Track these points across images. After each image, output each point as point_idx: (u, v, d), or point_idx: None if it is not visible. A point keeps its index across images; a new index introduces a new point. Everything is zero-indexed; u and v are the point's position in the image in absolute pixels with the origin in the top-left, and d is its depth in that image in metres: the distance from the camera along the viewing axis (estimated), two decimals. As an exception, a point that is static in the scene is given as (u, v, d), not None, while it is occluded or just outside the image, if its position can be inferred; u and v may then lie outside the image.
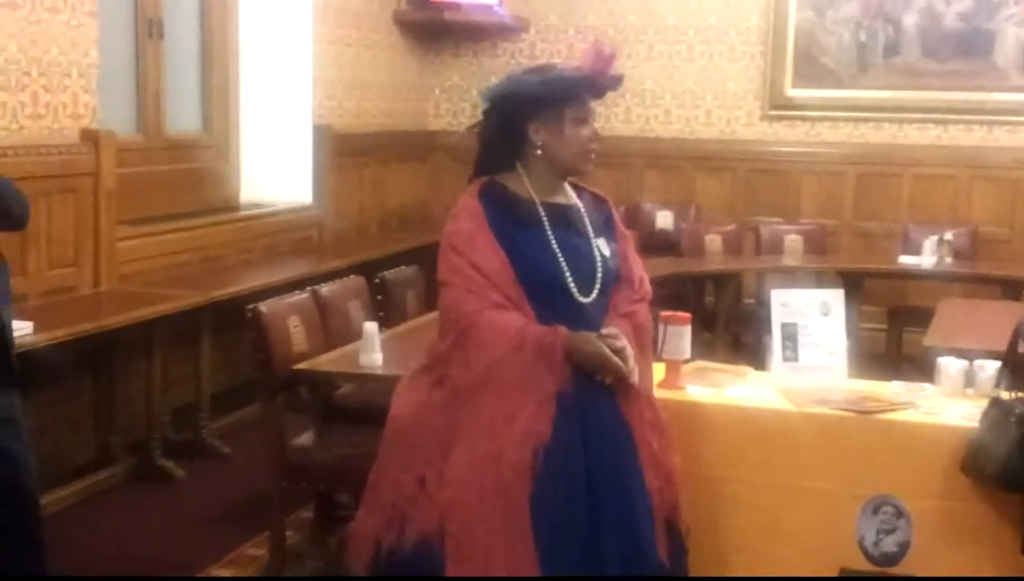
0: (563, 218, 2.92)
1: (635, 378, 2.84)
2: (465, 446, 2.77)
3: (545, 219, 2.88)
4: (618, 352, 2.81)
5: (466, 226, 2.87)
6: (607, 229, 3.02)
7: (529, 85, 2.91)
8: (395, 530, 2.82)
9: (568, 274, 2.84)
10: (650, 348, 3.08)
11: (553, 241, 2.86)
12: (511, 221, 2.87)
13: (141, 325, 4.90)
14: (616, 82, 2.97)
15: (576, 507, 2.75)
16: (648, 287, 3.06)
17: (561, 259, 2.85)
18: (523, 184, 2.92)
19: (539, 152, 2.90)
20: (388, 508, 2.85)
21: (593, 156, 2.94)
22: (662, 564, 2.85)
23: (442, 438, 2.81)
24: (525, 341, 2.77)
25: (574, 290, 2.84)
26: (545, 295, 2.83)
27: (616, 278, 2.96)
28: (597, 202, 3.05)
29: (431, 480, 2.80)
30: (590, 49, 2.92)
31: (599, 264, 2.90)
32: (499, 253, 2.82)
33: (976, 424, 3.08)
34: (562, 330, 2.80)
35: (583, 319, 2.84)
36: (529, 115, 2.89)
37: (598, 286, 2.88)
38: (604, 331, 2.83)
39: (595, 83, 2.91)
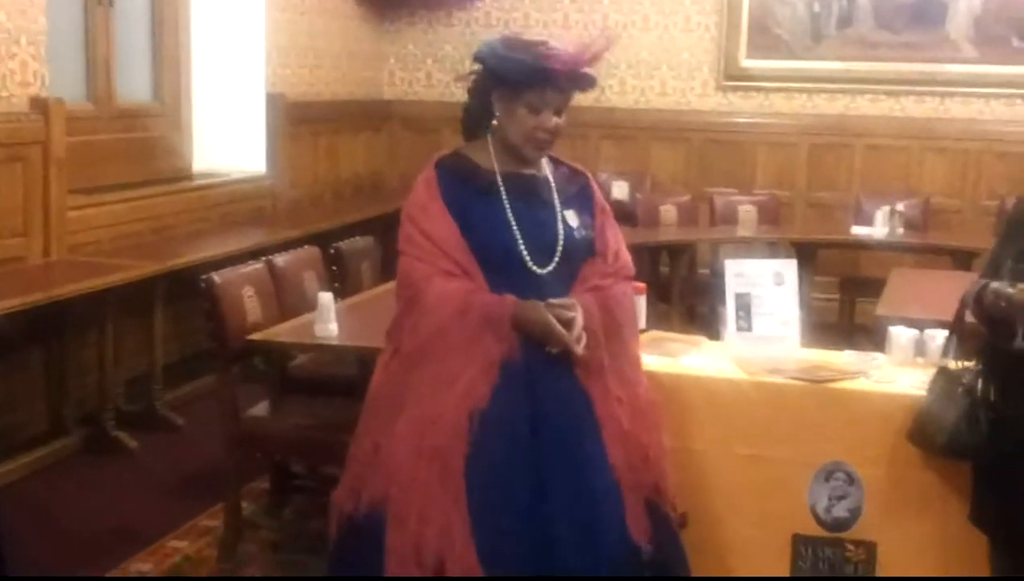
0: (525, 188, 2.89)
1: (578, 349, 2.79)
2: (410, 411, 2.79)
3: (503, 189, 2.86)
4: (567, 323, 2.78)
5: (421, 197, 2.88)
6: (581, 201, 2.98)
7: (496, 57, 2.86)
8: (354, 498, 2.84)
9: (522, 244, 2.82)
10: (628, 325, 2.99)
11: (509, 211, 2.84)
12: (468, 191, 2.86)
13: (93, 295, 4.85)
14: (583, 82, 2.87)
15: (514, 475, 2.74)
16: (625, 262, 3.02)
17: (515, 229, 2.83)
18: (488, 153, 2.90)
19: (495, 123, 2.90)
20: (351, 477, 2.88)
21: (542, 145, 2.87)
22: (634, 545, 2.82)
23: (395, 404, 2.82)
24: (471, 307, 2.77)
25: (528, 260, 2.83)
26: (498, 265, 2.82)
27: (588, 251, 2.93)
28: (573, 174, 3.02)
29: (384, 446, 2.82)
30: (574, 43, 2.84)
31: (560, 235, 2.87)
32: (450, 222, 2.82)
33: (925, 393, 3.12)
34: (510, 298, 2.79)
35: (538, 290, 2.82)
36: (493, 86, 2.88)
37: (557, 258, 2.86)
38: (555, 300, 2.81)
39: (556, 77, 2.82)
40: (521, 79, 2.82)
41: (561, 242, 2.87)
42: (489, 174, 2.88)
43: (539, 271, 2.84)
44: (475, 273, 2.82)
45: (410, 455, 2.75)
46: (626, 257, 3.03)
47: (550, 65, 2.80)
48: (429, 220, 2.83)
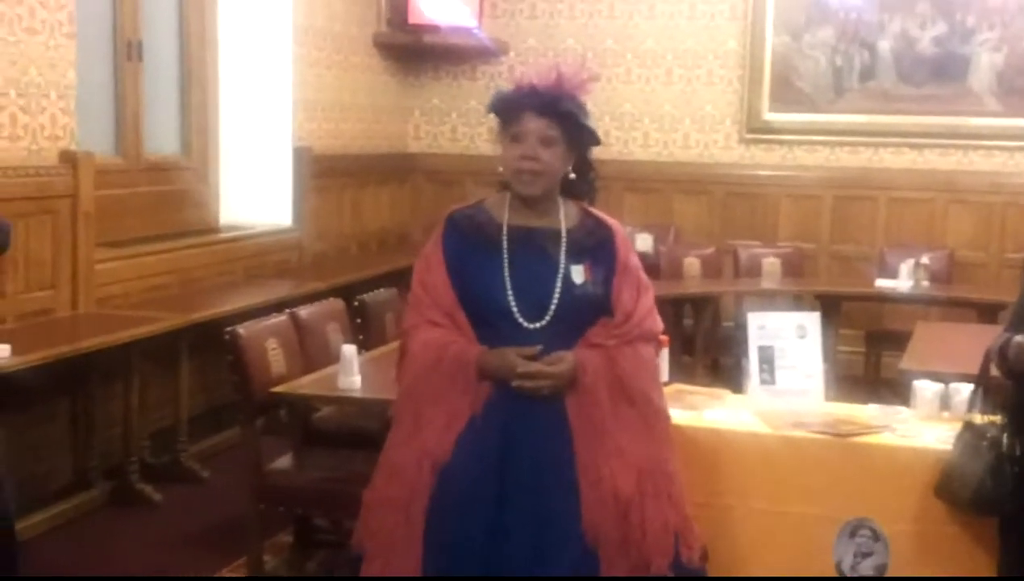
0: (530, 242, 2.84)
1: (535, 386, 2.73)
2: (385, 457, 2.85)
3: (506, 242, 2.84)
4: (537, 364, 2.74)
5: (428, 247, 2.93)
6: (599, 256, 2.87)
7: (491, 100, 2.91)
8: (358, 530, 2.92)
9: (511, 297, 2.78)
10: (641, 386, 2.84)
11: (506, 265, 2.81)
12: (472, 243, 2.86)
13: (119, 348, 4.88)
14: (561, 105, 2.78)
15: (471, 533, 2.72)
16: (638, 325, 2.86)
17: (508, 283, 2.80)
18: (503, 205, 2.89)
19: (501, 170, 2.90)
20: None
21: (527, 179, 2.80)
22: None
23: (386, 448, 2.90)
24: (442, 359, 2.79)
25: (517, 315, 2.78)
26: (488, 318, 2.81)
27: (596, 308, 2.84)
28: (598, 227, 2.91)
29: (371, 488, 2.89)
30: (553, 69, 2.82)
31: (558, 291, 2.80)
32: (443, 274, 2.84)
33: (951, 447, 3.10)
34: (477, 347, 2.79)
35: (529, 346, 2.77)
36: (498, 133, 2.91)
37: (551, 314, 2.79)
38: (528, 348, 2.75)
39: (530, 100, 2.80)
40: (501, 109, 2.86)
41: (556, 298, 2.80)
42: (496, 227, 2.87)
43: (529, 326, 2.79)
44: (463, 324, 2.82)
45: (379, 502, 2.81)
46: (643, 318, 2.89)
47: (521, 87, 2.83)
48: (428, 270, 2.88)
